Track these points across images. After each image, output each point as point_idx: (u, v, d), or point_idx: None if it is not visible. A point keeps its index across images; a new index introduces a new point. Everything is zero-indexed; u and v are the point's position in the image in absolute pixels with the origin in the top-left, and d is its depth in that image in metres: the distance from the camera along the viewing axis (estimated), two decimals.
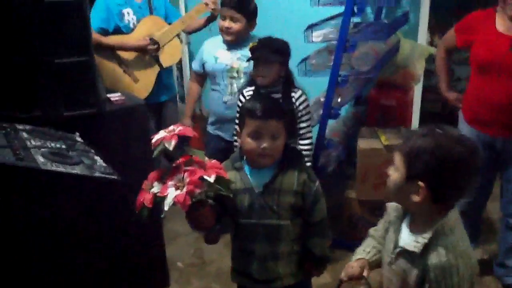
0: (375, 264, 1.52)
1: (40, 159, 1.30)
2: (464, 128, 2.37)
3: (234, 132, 2.46)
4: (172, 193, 1.39)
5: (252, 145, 1.64)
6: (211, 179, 1.41)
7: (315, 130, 2.52)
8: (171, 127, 1.49)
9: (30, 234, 1.51)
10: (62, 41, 1.57)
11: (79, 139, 1.59)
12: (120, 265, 1.86)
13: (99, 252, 1.75)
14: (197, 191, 1.40)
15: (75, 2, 1.56)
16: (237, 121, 2.39)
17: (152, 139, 1.48)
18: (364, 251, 1.54)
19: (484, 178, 2.36)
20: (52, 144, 1.44)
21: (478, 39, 2.22)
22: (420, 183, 1.22)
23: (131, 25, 2.89)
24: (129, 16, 2.88)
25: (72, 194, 1.59)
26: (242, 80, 2.65)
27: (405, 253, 1.32)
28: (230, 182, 1.54)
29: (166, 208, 1.40)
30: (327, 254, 1.79)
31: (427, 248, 1.25)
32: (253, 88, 2.36)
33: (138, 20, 2.89)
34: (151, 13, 2.95)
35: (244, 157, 1.74)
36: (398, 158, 1.29)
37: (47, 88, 1.59)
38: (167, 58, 2.98)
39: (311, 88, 2.47)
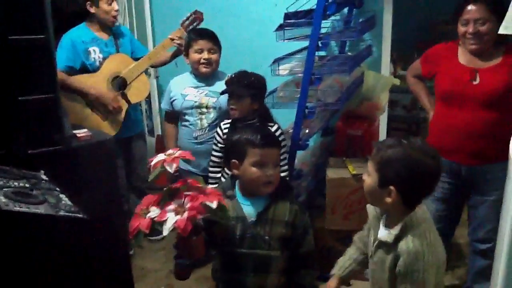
0: (353, 274, 1.77)
1: (2, 199, 1.26)
2: None
3: (211, 164, 2.49)
4: (172, 218, 1.37)
5: (258, 173, 1.66)
6: (214, 205, 1.40)
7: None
8: (170, 151, 1.49)
9: None
10: (27, 78, 1.55)
11: (43, 177, 1.55)
12: None
13: None
14: (199, 216, 1.39)
15: (40, 40, 1.55)
16: (215, 153, 2.45)
17: (150, 161, 1.48)
18: (342, 267, 1.77)
19: (451, 205, 2.42)
20: (15, 183, 1.40)
21: (441, 70, 2.31)
22: (391, 188, 1.44)
23: (97, 63, 2.89)
24: (95, 54, 2.89)
25: (36, 233, 1.54)
26: (211, 115, 2.67)
27: (381, 245, 1.53)
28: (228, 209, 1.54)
29: (165, 233, 1.37)
30: (316, 285, 1.80)
31: (398, 239, 1.46)
32: (230, 121, 2.40)
33: (104, 58, 2.90)
34: (117, 50, 2.97)
35: (236, 186, 1.74)
36: (371, 166, 1.49)
37: (10, 126, 1.56)
38: (135, 94, 2.99)
39: (279, 120, 2.50)
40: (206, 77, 2.69)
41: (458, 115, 2.24)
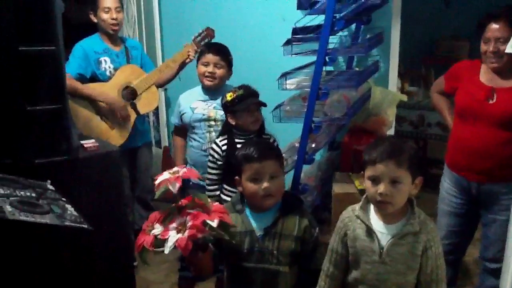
0: None
1: (8, 208, 1.27)
2: (446, 171, 2.43)
3: (208, 182, 2.45)
4: (173, 237, 1.37)
5: (254, 188, 1.66)
6: (214, 224, 1.39)
7: (290, 175, 2.54)
8: (175, 169, 1.48)
9: None
10: (35, 89, 1.57)
11: (50, 187, 1.56)
12: None
13: None
14: (199, 235, 1.38)
15: (49, 50, 1.57)
16: (212, 171, 2.40)
17: (155, 180, 1.46)
18: None
19: (464, 221, 2.40)
20: (21, 193, 1.41)
21: (461, 87, 2.32)
22: (420, 178, 1.53)
23: (108, 73, 2.92)
24: (106, 64, 2.92)
25: (41, 243, 1.55)
26: (220, 128, 2.67)
27: (401, 239, 1.54)
28: (232, 226, 1.52)
29: (166, 251, 1.37)
30: None
31: (419, 225, 1.53)
32: (225, 137, 2.38)
33: (115, 69, 2.94)
34: (128, 62, 3.01)
35: (245, 200, 1.75)
36: (400, 172, 1.49)
37: (18, 135, 1.58)
38: (144, 105, 3.01)
39: (285, 134, 2.50)
40: (214, 91, 2.70)
41: (471, 132, 2.24)
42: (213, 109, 2.68)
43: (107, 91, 2.89)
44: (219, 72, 2.64)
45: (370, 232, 1.57)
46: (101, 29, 2.95)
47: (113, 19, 2.90)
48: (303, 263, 1.71)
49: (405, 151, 1.50)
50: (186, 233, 1.36)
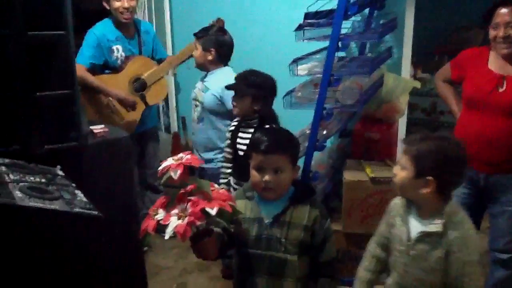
0: (373, 282, 1.79)
1: (18, 194, 1.26)
2: None
3: (223, 159, 2.61)
4: (173, 223, 1.38)
5: (257, 178, 1.66)
6: (213, 211, 1.40)
7: (301, 162, 2.51)
8: (180, 155, 1.50)
9: (5, 271, 1.46)
10: (45, 74, 1.56)
11: (60, 172, 1.55)
12: None
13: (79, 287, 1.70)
14: (198, 223, 1.39)
15: (59, 35, 1.55)
16: (226, 149, 2.52)
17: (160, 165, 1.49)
18: (362, 283, 1.79)
19: (471, 213, 2.36)
20: (31, 178, 1.40)
21: (469, 75, 2.26)
22: (429, 178, 1.50)
23: (119, 61, 2.93)
24: (118, 52, 2.92)
25: (51, 229, 1.55)
26: (199, 109, 2.81)
27: (425, 237, 1.55)
28: (235, 214, 1.51)
29: (166, 237, 1.39)
30: None
31: (445, 227, 1.52)
32: (237, 119, 2.41)
33: (127, 57, 2.93)
34: (140, 49, 3.01)
35: None
36: (405, 160, 1.55)
37: (27, 121, 1.57)
38: (153, 96, 3.05)
39: (296, 121, 2.47)
40: (208, 72, 2.79)
41: (479, 122, 2.20)
42: (199, 90, 2.79)
43: (118, 84, 2.90)
44: (194, 53, 2.81)
45: (405, 222, 1.61)
46: (113, 17, 2.92)
47: (125, 8, 2.86)
48: (314, 255, 1.70)
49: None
50: (186, 220, 1.37)
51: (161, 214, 1.43)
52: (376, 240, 1.78)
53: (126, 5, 2.85)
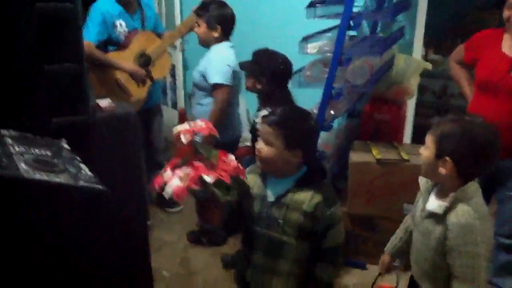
0: (401, 252, 1.86)
1: (23, 166, 1.26)
2: None
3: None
4: (173, 183, 1.43)
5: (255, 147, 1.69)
6: (209, 180, 1.43)
7: None
8: (198, 122, 1.56)
9: (8, 244, 1.47)
10: (53, 48, 1.54)
11: (65, 146, 1.55)
12: (104, 274, 1.82)
13: (81, 261, 1.71)
14: (195, 187, 1.44)
15: (67, 8, 1.52)
16: None
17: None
18: (392, 245, 1.89)
19: None
20: (37, 151, 1.40)
21: (482, 58, 2.22)
22: (447, 159, 1.48)
23: (122, 37, 2.91)
24: (121, 27, 2.89)
25: (55, 202, 1.55)
26: (195, 91, 2.81)
27: (430, 215, 1.56)
28: (241, 187, 1.55)
29: (166, 196, 1.45)
30: (333, 282, 1.75)
31: (448, 210, 1.49)
32: None
33: (129, 32, 2.91)
34: (142, 24, 2.98)
35: None
36: (429, 139, 1.55)
37: (35, 94, 1.55)
38: (158, 71, 3.04)
39: (304, 100, 2.45)
40: (203, 45, 2.78)
41: (492, 105, 2.16)
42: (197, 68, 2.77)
43: (125, 60, 2.88)
44: (196, 30, 2.75)
45: (425, 199, 1.62)
46: None
47: None
48: (317, 240, 1.67)
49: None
50: (184, 183, 1.42)
51: (168, 174, 1.48)
52: (412, 216, 1.80)
53: None
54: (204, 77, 2.67)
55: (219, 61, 2.62)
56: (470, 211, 1.46)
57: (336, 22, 2.35)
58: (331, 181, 2.76)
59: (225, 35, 2.72)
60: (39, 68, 1.53)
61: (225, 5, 2.72)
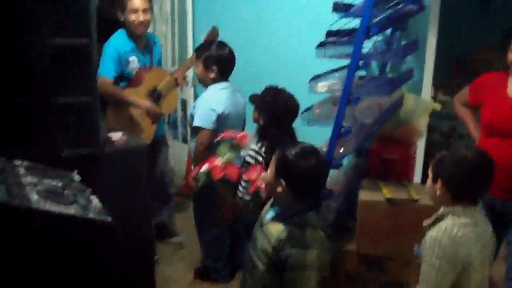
0: None
1: (34, 196, 1.28)
2: None
3: None
4: (215, 163, 2.19)
5: None
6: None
7: None
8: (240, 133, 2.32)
9: (16, 272, 1.47)
10: (66, 82, 1.58)
11: (76, 177, 1.57)
12: None
13: None
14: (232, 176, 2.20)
15: (82, 43, 1.58)
16: None
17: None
18: None
19: None
20: (48, 182, 1.42)
21: (487, 101, 2.24)
22: (439, 180, 1.61)
23: (134, 73, 2.99)
24: (133, 64, 2.99)
25: (64, 232, 1.55)
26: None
27: (425, 228, 1.70)
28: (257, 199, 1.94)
29: (201, 174, 2.18)
30: None
31: (430, 225, 1.67)
32: None
33: (140, 68, 2.99)
34: (151, 60, 3.09)
35: None
36: (430, 168, 1.69)
37: (47, 125, 1.59)
38: (167, 106, 3.14)
39: (313, 138, 2.46)
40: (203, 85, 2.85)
41: (498, 148, 2.16)
42: None
43: (139, 96, 2.97)
44: (196, 70, 2.82)
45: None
46: (128, 28, 2.97)
47: (140, 21, 2.91)
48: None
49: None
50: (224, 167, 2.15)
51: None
52: None
53: (141, 18, 2.90)
54: (192, 117, 2.72)
55: (203, 105, 2.66)
56: (445, 229, 1.59)
57: (346, 62, 2.39)
58: (338, 219, 2.74)
59: (222, 76, 2.74)
60: (53, 100, 1.57)
61: (223, 46, 2.75)
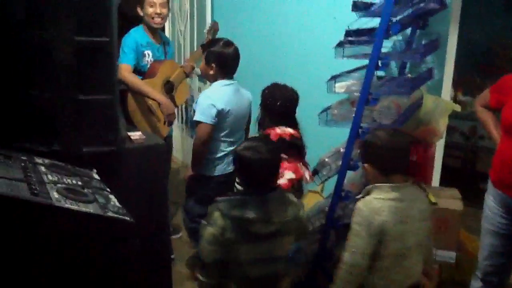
0: None
1: (55, 195, 1.29)
2: (490, 189, 2.32)
3: None
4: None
5: None
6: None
7: (333, 180, 2.49)
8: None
9: (36, 270, 1.49)
10: (88, 79, 1.60)
11: (95, 176, 1.59)
12: None
13: None
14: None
15: (104, 42, 1.59)
16: None
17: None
18: None
19: (508, 241, 2.29)
20: (68, 180, 1.44)
21: (509, 101, 2.20)
22: (367, 164, 1.97)
23: (148, 65, 3.05)
24: (148, 57, 3.06)
25: (83, 230, 1.57)
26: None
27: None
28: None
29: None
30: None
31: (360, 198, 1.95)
32: None
33: (153, 61, 3.06)
34: (165, 56, 3.15)
35: None
36: (359, 152, 2.09)
37: (68, 123, 1.61)
38: (180, 97, 3.20)
39: (331, 138, 2.45)
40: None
41: None
42: None
43: (155, 88, 3.01)
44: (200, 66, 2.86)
45: None
46: (145, 22, 3.05)
47: (157, 13, 2.99)
48: None
49: None
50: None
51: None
52: None
53: (158, 11, 3.00)
54: (194, 112, 2.77)
55: (204, 100, 2.69)
56: (369, 200, 1.88)
57: (364, 62, 2.37)
58: None
59: (223, 73, 2.75)
60: (75, 98, 1.59)
61: (227, 44, 2.77)
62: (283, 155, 2.30)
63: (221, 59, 2.72)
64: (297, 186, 2.52)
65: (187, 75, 3.23)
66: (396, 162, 1.92)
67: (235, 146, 2.69)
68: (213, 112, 2.64)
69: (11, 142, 1.54)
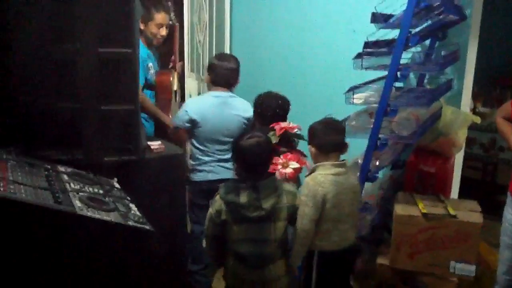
0: None
1: (77, 203, 1.32)
2: (509, 201, 2.29)
3: None
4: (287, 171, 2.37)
5: None
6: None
7: None
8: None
9: (59, 276, 1.51)
10: (110, 90, 1.63)
11: (116, 185, 1.61)
12: None
13: None
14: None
15: (126, 54, 1.62)
16: None
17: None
18: None
19: None
20: (90, 189, 1.46)
21: None
22: (312, 145, 2.27)
23: (153, 78, 3.12)
24: (152, 69, 3.13)
25: (104, 239, 1.59)
26: None
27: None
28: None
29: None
30: None
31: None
32: None
33: (158, 72, 3.16)
34: (159, 67, 3.27)
35: None
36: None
37: (91, 133, 1.64)
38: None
39: (349, 149, 2.44)
40: None
41: None
42: None
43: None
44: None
45: None
46: (146, 37, 3.09)
47: (162, 35, 3.10)
48: None
49: None
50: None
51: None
52: None
53: (163, 33, 3.11)
54: None
55: (183, 105, 2.86)
56: (311, 176, 2.18)
57: (383, 73, 2.37)
58: (373, 232, 2.70)
59: (214, 84, 2.84)
60: (98, 108, 1.62)
61: (229, 59, 2.87)
62: (284, 149, 2.47)
63: (214, 71, 2.82)
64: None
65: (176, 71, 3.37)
66: (332, 143, 2.25)
67: (212, 158, 2.73)
68: (185, 118, 2.74)
69: (35, 151, 1.58)
